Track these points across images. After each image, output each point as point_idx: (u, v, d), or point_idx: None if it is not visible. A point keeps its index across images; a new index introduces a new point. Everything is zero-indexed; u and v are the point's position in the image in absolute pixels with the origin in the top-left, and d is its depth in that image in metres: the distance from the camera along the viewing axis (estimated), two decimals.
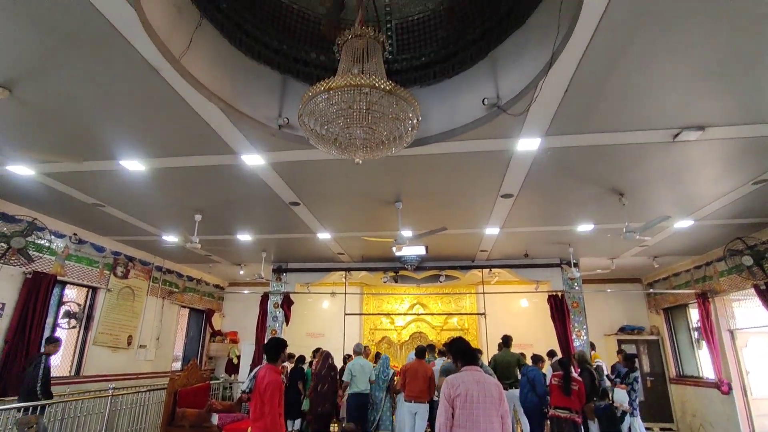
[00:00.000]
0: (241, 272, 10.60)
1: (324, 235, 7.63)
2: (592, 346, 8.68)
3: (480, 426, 3.04)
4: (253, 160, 4.75)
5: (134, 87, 3.60)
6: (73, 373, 7.49)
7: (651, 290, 10.51)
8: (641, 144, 4.27)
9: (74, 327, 7.61)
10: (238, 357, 10.97)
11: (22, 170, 5.12)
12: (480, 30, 4.10)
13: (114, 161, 4.86)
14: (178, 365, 10.45)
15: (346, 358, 7.93)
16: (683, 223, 6.63)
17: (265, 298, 9.83)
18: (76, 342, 7.68)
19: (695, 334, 9.21)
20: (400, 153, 4.35)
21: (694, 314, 9.23)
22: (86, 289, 7.90)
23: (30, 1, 2.75)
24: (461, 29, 4.24)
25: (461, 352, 3.47)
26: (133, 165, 4.93)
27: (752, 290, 7.03)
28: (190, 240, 6.30)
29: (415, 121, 3.12)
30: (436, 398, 6.27)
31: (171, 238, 7.80)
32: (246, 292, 11.78)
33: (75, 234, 7.47)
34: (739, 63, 3.16)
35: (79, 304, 7.75)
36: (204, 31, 3.67)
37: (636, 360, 7.31)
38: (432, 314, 11.53)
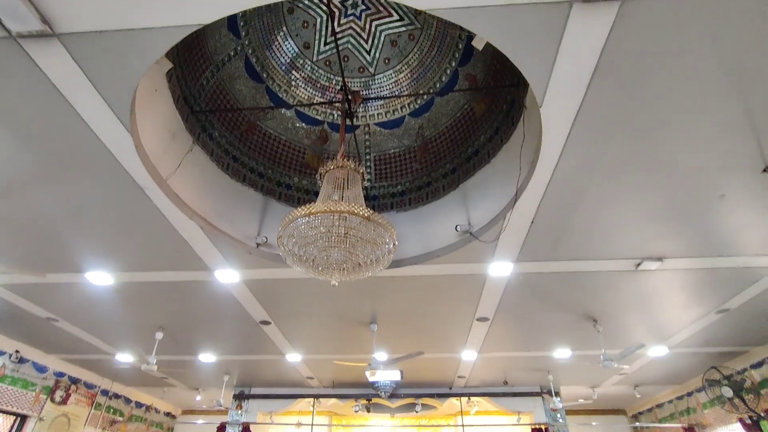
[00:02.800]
0: (198, 398, 9.61)
1: (293, 357, 7.19)
2: None
3: None
4: (227, 276, 4.67)
5: (116, 203, 3.65)
6: None
7: (637, 423, 9.97)
8: (608, 272, 4.46)
9: None
10: None
11: None
12: (450, 165, 4.51)
13: (79, 274, 4.69)
14: None
15: None
16: (658, 351, 6.60)
17: (221, 429, 8.77)
18: None
19: None
20: (377, 274, 4.40)
21: None
22: (13, 417, 6.93)
23: (29, 121, 2.90)
24: (434, 163, 4.66)
25: None
26: (100, 278, 4.75)
27: (739, 424, 6.75)
28: (147, 361, 5.82)
29: (392, 245, 3.21)
30: None
31: (125, 358, 7.18)
32: (200, 422, 10.55)
33: (17, 351, 6.80)
34: (684, 206, 3.51)
35: None
36: (194, 155, 3.89)
37: None
38: None
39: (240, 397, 9.04)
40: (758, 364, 6.51)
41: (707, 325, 5.62)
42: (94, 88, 2.67)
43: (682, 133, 2.83)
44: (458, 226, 4.04)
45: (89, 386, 8.30)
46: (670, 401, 8.88)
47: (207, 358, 7.29)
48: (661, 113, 2.70)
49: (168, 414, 10.95)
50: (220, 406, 8.50)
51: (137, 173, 3.31)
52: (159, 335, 6.03)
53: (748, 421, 6.50)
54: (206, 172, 4.12)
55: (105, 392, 8.70)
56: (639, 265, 4.26)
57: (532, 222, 3.69)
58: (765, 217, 3.61)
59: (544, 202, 3.48)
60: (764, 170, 3.09)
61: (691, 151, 2.97)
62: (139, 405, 9.81)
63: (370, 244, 3.10)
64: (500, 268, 4.41)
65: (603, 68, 2.45)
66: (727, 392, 6.54)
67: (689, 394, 8.28)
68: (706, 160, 3.03)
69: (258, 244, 4.26)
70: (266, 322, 5.82)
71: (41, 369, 7.23)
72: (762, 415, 6.31)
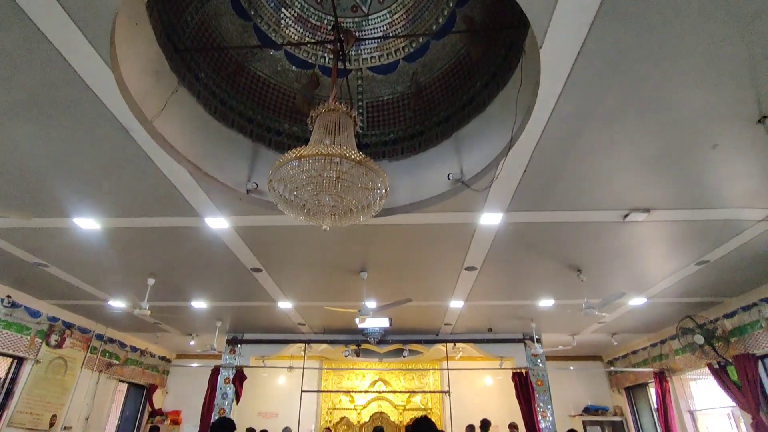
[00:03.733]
0: (192, 343, 9.88)
1: (285, 304, 7.35)
2: None
3: None
4: (218, 223, 4.66)
5: (100, 145, 3.54)
6: None
7: (611, 368, 10.55)
8: (595, 222, 4.53)
9: None
10: None
11: None
12: (444, 113, 4.42)
13: (67, 219, 4.63)
14: None
15: None
16: (637, 301, 6.87)
17: (215, 372, 9.09)
18: None
19: (656, 416, 9.14)
20: (368, 222, 4.40)
21: (654, 393, 9.24)
22: (10, 359, 7.08)
23: (8, 55, 2.74)
24: (427, 111, 4.56)
25: None
26: (88, 224, 4.71)
27: (707, 369, 7.18)
28: (140, 306, 5.89)
29: (383, 191, 3.20)
30: None
31: (118, 304, 7.27)
32: (195, 365, 10.90)
33: (8, 296, 6.84)
34: (674, 156, 3.52)
35: None
36: (179, 97, 3.74)
37: None
38: (394, 392, 10.97)
39: (233, 342, 9.30)
40: (731, 314, 6.83)
41: (686, 276, 5.82)
42: (70, 18, 2.51)
43: (683, 78, 2.78)
44: (450, 175, 4.02)
45: (83, 331, 8.45)
46: (645, 348, 9.36)
47: (199, 304, 7.42)
48: (662, 57, 2.63)
49: (163, 358, 11.28)
50: (214, 350, 8.76)
51: (120, 112, 3.19)
52: (151, 281, 6.07)
53: (716, 367, 6.91)
54: (193, 116, 3.98)
55: (99, 337, 8.89)
56: (626, 216, 4.33)
57: (525, 171, 3.69)
58: (754, 168, 3.64)
59: (537, 149, 3.46)
60: (759, 121, 3.08)
61: (688, 98, 2.93)
62: (134, 349, 10.07)
63: (361, 189, 3.08)
64: (490, 218, 4.45)
65: (606, 8, 2.35)
66: (699, 340, 6.90)
67: (663, 342, 8.73)
68: (703, 107, 3.00)
69: (248, 191, 4.21)
70: (257, 270, 5.88)
71: (34, 314, 7.31)
72: (730, 360, 6.70)
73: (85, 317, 8.37)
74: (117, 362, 9.43)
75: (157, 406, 10.71)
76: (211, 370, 9.15)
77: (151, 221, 4.68)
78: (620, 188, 3.96)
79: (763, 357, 6.32)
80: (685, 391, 8.41)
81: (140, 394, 10.52)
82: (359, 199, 3.14)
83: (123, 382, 9.83)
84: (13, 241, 5.24)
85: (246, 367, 9.16)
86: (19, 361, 7.16)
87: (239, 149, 4.36)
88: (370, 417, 10.70)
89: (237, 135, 4.36)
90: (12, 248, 5.38)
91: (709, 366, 7.02)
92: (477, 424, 8.14)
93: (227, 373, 8.99)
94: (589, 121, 3.17)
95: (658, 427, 9.07)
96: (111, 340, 9.27)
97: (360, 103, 4.65)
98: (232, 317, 8.37)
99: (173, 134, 3.68)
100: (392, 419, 10.53)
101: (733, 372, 6.64)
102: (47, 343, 7.54)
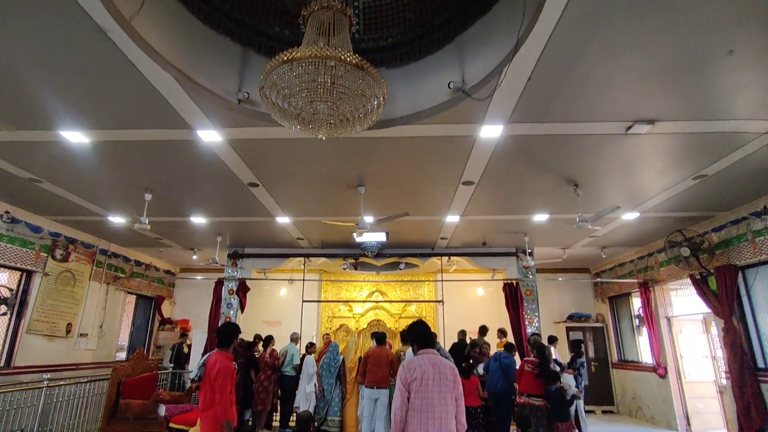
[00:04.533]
0: (194, 257, 10.19)
1: (283, 219, 7.45)
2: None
3: (434, 409, 3.04)
4: (210, 136, 4.53)
5: (78, 49, 3.30)
6: (2, 364, 6.93)
7: (598, 279, 11.09)
8: (597, 135, 4.44)
9: (4, 314, 7.02)
10: (189, 346, 10.57)
11: None
12: (447, 14, 4.09)
13: (53, 131, 4.48)
14: (123, 355, 9.93)
15: (309, 347, 8.00)
16: (630, 215, 7.01)
17: (219, 284, 9.50)
18: (7, 330, 7.10)
19: (636, 322, 9.81)
20: (365, 134, 4.30)
21: (636, 302, 9.83)
22: (19, 272, 7.31)
23: None
24: (428, 13, 4.21)
25: (418, 335, 3.44)
26: (76, 136, 4.57)
27: (688, 280, 7.55)
28: (139, 220, 5.95)
29: (381, 98, 3.06)
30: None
31: (118, 219, 7.35)
32: (199, 278, 11.36)
33: (7, 212, 6.87)
34: (686, 64, 3.33)
35: (11, 289, 7.15)
36: None
37: (582, 346, 7.70)
38: (390, 302, 11.60)
39: (234, 257, 9.59)
40: (719, 228, 7.01)
41: (682, 190, 5.86)
42: None
43: None
44: (451, 83, 3.83)
45: (87, 246, 8.64)
46: (632, 261, 9.76)
47: (198, 219, 7.50)
48: None
49: (167, 272, 11.71)
50: (216, 263, 9.05)
51: (94, 10, 2.92)
52: (148, 196, 6.06)
53: (698, 277, 7.25)
54: (175, 16, 3.67)
55: (104, 251, 9.12)
56: (630, 128, 4.23)
57: (529, 78, 3.51)
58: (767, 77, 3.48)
59: (543, 55, 3.25)
60: None
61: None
62: (138, 263, 10.40)
63: (358, 97, 2.94)
64: (491, 130, 4.34)
65: None
66: (685, 252, 7.15)
67: (650, 255, 9.07)
68: (724, 10, 2.78)
69: (240, 100, 4.03)
70: (254, 184, 5.85)
71: (36, 229, 7.40)
72: (711, 271, 7.02)
73: (87, 233, 8.50)
74: (123, 275, 9.79)
75: (166, 316, 11.34)
76: (215, 283, 9.55)
77: (141, 134, 4.54)
78: (626, 99, 3.82)
79: (743, 267, 6.61)
80: (665, 300, 8.92)
81: (149, 305, 11.08)
82: (356, 107, 3.01)
83: (131, 294, 10.30)
84: (3, 156, 5.12)
85: (248, 279, 9.55)
86: (28, 274, 7.40)
87: (228, 55, 4.08)
88: (368, 324, 11.43)
89: (224, 39, 4.06)
90: (2, 163, 5.28)
91: (691, 277, 7.36)
92: (468, 330, 8.72)
93: (230, 285, 9.39)
94: (602, 24, 2.94)
95: (636, 332, 9.79)
96: (115, 255, 9.52)
97: (356, 3, 4.29)
98: (232, 232, 8.53)
99: (155, 37, 3.41)
100: (389, 326, 11.25)
101: (712, 282, 6.99)
102: (53, 257, 7.74)
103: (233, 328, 4.26)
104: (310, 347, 7.99)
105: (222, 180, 5.73)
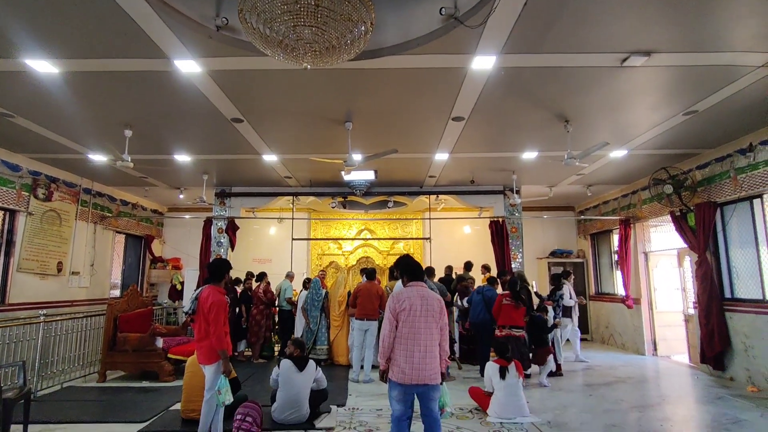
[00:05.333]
0: (181, 197, 10.11)
1: (270, 157, 7.32)
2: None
3: (420, 337, 3.24)
4: (188, 66, 4.29)
5: None
6: None
7: (582, 217, 11.35)
8: (591, 68, 4.32)
9: None
10: (182, 283, 10.78)
11: None
12: None
13: (18, 60, 4.19)
14: (116, 293, 10.10)
15: (305, 283, 8.60)
16: (618, 153, 7.03)
17: (208, 223, 9.50)
18: None
19: (615, 257, 10.19)
20: (352, 65, 4.12)
21: (617, 239, 10.14)
22: (2, 212, 7.19)
23: None
24: None
25: (407, 268, 3.57)
26: (43, 66, 4.29)
27: (668, 217, 7.76)
28: (121, 158, 5.79)
29: (368, 23, 2.89)
30: None
31: (99, 157, 7.15)
32: (187, 217, 11.33)
33: None
34: None
35: None
36: None
37: (561, 279, 8.03)
38: (379, 239, 11.82)
39: (222, 195, 9.53)
40: (704, 165, 7.10)
41: (671, 127, 5.85)
42: None
43: None
44: (443, 9, 3.62)
45: (69, 185, 8.46)
46: (616, 198, 9.95)
47: (183, 157, 7.33)
48: None
49: (155, 211, 11.63)
50: (204, 202, 8.99)
51: None
52: (128, 132, 5.86)
53: (678, 214, 7.44)
54: None
55: (87, 191, 8.95)
56: (625, 60, 4.11)
57: (525, 4, 3.33)
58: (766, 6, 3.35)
59: None
60: None
61: None
62: (125, 203, 10.28)
63: (344, 21, 2.77)
64: (483, 62, 4.18)
65: None
66: (668, 189, 7.29)
67: (633, 192, 9.24)
68: None
69: (218, 27, 3.77)
70: (238, 120, 5.67)
71: (14, 167, 7.18)
72: (691, 208, 7.20)
73: (68, 171, 8.29)
74: (110, 215, 9.70)
75: (157, 255, 11.43)
76: (204, 222, 9.55)
77: (114, 63, 4.28)
78: (623, 28, 3.67)
79: (722, 204, 6.79)
80: (644, 236, 9.23)
81: (139, 244, 11.11)
82: (342, 33, 2.85)
83: (120, 233, 10.28)
84: None
85: (237, 218, 9.56)
86: (12, 213, 7.28)
87: None
88: (357, 261, 11.70)
89: None
90: None
91: (671, 213, 7.56)
92: (455, 266, 9.00)
93: (220, 224, 9.41)
94: None
95: (614, 267, 10.20)
96: (100, 194, 9.37)
97: None
98: (219, 171, 8.40)
99: None
100: (377, 263, 11.54)
101: (691, 218, 7.19)
102: (35, 197, 7.58)
103: (223, 264, 4.35)
104: (307, 283, 8.42)
105: (205, 115, 5.53)
